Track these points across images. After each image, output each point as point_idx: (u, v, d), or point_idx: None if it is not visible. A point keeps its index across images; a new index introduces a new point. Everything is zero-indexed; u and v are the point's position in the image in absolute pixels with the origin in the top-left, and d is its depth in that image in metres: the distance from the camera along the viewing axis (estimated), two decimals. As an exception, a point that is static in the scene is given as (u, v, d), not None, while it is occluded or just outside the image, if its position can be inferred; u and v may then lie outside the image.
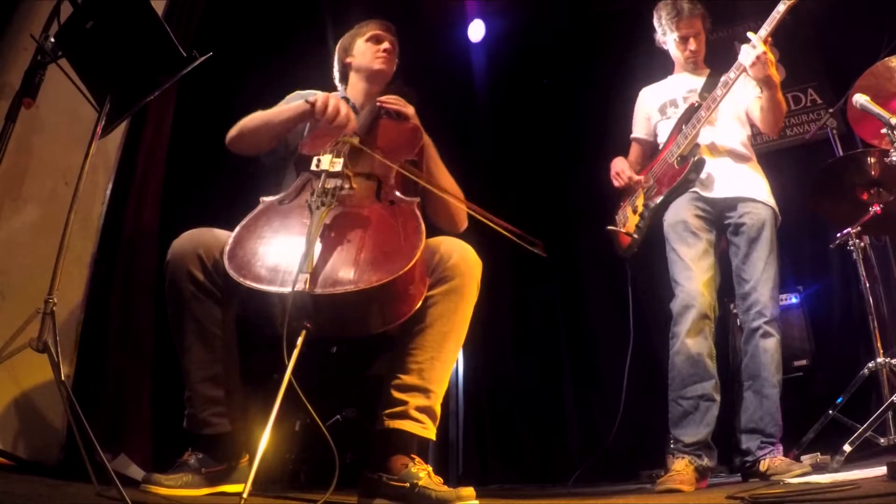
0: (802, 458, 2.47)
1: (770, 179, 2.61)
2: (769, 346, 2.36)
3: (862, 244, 2.73)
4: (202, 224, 1.76)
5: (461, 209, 2.04)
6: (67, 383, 1.51)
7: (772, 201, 2.53)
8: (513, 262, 4.12)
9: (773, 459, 2.27)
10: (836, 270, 3.47)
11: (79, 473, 1.43)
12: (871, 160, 2.59)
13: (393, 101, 2.10)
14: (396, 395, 1.60)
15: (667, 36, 2.74)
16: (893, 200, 2.59)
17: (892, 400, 2.22)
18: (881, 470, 1.65)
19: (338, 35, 2.42)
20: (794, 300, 3.28)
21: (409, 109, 2.11)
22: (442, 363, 1.63)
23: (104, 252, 2.24)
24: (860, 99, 2.33)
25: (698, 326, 2.36)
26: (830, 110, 3.30)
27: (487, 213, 1.71)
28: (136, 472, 1.97)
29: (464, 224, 2.10)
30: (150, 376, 2.30)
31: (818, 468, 2.33)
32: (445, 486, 1.50)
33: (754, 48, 2.31)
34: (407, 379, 1.60)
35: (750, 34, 2.35)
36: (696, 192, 2.53)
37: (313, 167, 1.70)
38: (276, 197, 1.77)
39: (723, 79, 2.50)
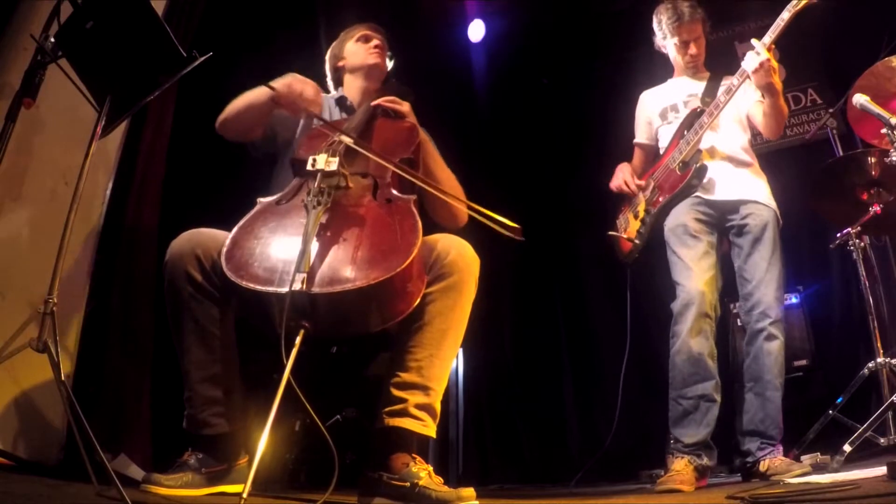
0: (802, 458, 2.47)
1: (770, 180, 2.61)
2: (773, 349, 2.36)
3: (862, 244, 2.73)
4: (203, 224, 1.76)
5: (458, 206, 2.04)
6: (67, 383, 1.51)
7: (773, 203, 2.53)
8: (513, 262, 4.12)
9: (773, 459, 2.27)
10: (836, 270, 3.47)
11: (79, 473, 1.43)
12: (871, 160, 2.60)
13: (388, 101, 2.11)
14: (396, 393, 1.60)
15: (667, 40, 2.73)
16: (893, 200, 2.59)
17: (892, 400, 2.22)
18: (881, 470, 1.65)
19: (334, 37, 2.43)
20: (794, 300, 3.28)
21: (405, 107, 2.12)
22: (441, 360, 1.63)
23: (104, 252, 2.25)
24: (860, 99, 2.33)
25: (699, 325, 2.35)
26: (830, 110, 3.30)
27: (466, 200, 1.69)
28: (136, 472, 1.97)
29: (464, 220, 2.10)
30: (150, 376, 2.30)
31: (818, 468, 2.33)
32: (446, 487, 1.50)
33: (758, 55, 2.31)
34: (406, 377, 1.60)
35: (754, 41, 2.34)
36: (697, 196, 2.52)
37: (309, 167, 1.70)
38: (273, 197, 1.77)
39: (726, 85, 2.50)
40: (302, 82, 1.92)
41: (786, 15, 2.30)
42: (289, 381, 1.32)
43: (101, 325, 2.20)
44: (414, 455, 1.57)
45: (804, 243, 3.51)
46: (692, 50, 2.68)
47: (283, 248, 1.56)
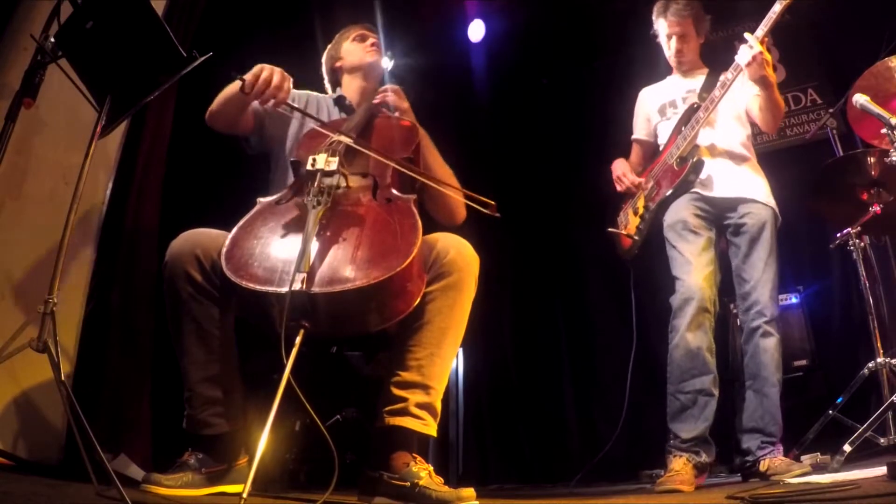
0: (802, 458, 2.47)
1: (770, 179, 2.61)
2: (769, 346, 2.37)
3: (862, 244, 2.73)
4: (203, 224, 1.76)
5: (459, 202, 2.05)
6: (67, 383, 1.51)
7: (772, 202, 2.53)
8: (513, 261, 4.12)
9: (773, 459, 2.27)
10: (836, 270, 3.47)
11: (79, 473, 1.43)
12: (871, 160, 2.60)
13: (391, 90, 2.12)
14: (396, 392, 1.60)
15: (660, 35, 2.74)
16: (893, 200, 2.59)
17: (892, 400, 2.22)
18: (881, 470, 1.65)
19: (332, 37, 2.44)
20: (794, 300, 3.28)
21: (404, 104, 2.12)
22: (441, 359, 1.63)
23: (104, 252, 2.24)
24: (860, 99, 2.33)
25: (698, 320, 2.36)
26: (830, 110, 3.30)
27: (439, 181, 1.69)
28: (136, 472, 1.96)
29: (462, 217, 2.10)
30: (150, 376, 2.30)
31: (818, 468, 2.33)
32: (446, 487, 1.50)
33: (751, 48, 2.32)
34: (407, 376, 1.60)
35: (747, 35, 2.35)
36: (696, 192, 2.53)
37: (308, 167, 1.70)
38: (273, 197, 1.77)
39: (720, 79, 2.50)
40: (269, 71, 1.86)
41: (777, 7, 2.31)
42: (289, 381, 1.32)
43: (101, 325, 2.20)
44: (414, 455, 1.57)
45: (804, 243, 3.51)
46: (675, 44, 2.68)
47: (282, 248, 1.56)
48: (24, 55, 1.91)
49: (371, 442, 1.61)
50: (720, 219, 2.55)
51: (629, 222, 2.75)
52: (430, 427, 1.62)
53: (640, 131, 2.87)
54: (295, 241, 1.52)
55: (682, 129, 2.59)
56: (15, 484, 1.46)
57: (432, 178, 1.83)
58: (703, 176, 2.52)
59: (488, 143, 4.39)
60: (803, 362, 3.15)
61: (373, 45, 2.32)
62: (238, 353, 1.72)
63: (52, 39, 1.72)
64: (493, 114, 4.42)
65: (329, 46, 2.43)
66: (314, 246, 1.51)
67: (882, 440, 2.33)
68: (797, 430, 2.56)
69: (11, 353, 1.48)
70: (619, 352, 2.86)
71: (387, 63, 2.41)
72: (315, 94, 2.33)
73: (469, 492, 1.49)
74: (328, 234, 1.57)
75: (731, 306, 3.02)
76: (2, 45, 2.10)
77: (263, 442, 1.26)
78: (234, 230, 1.65)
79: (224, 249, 1.58)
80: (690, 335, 2.34)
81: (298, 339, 1.39)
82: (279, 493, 1.91)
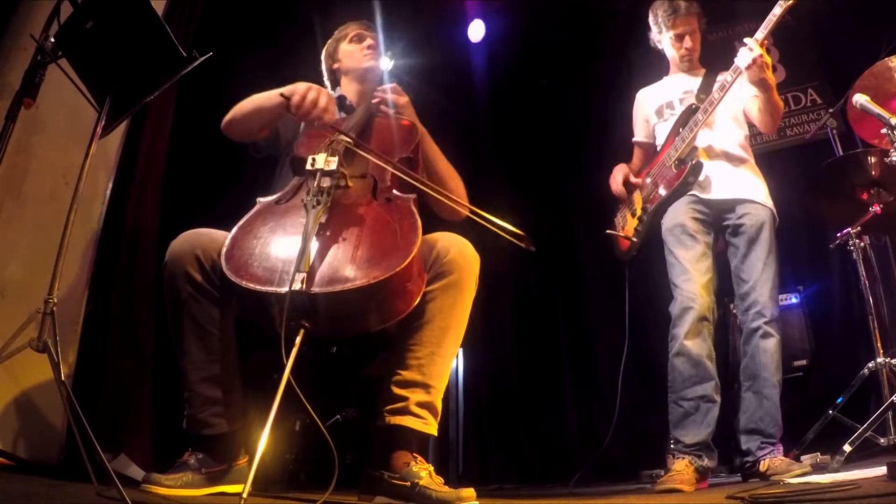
0: (802, 458, 2.47)
1: (770, 179, 2.61)
2: (769, 347, 2.37)
3: (862, 244, 2.73)
4: (203, 224, 1.76)
5: (461, 198, 2.05)
6: (67, 383, 1.51)
7: (770, 202, 2.53)
8: (513, 262, 4.12)
9: (773, 459, 2.27)
10: (836, 270, 3.47)
11: (79, 473, 1.43)
12: (871, 160, 2.60)
13: (391, 89, 2.12)
14: (397, 391, 1.60)
15: (662, 34, 2.74)
16: (893, 200, 2.59)
17: (892, 400, 2.22)
18: (881, 470, 1.65)
19: (330, 35, 2.43)
20: (794, 300, 3.28)
21: (403, 99, 2.12)
22: (442, 358, 1.63)
23: (104, 252, 2.24)
24: (860, 99, 2.33)
25: (697, 328, 2.36)
26: (830, 110, 3.30)
27: (475, 208, 1.70)
28: (136, 472, 1.97)
29: (464, 213, 2.10)
30: (150, 376, 2.30)
31: (818, 468, 2.33)
32: (446, 487, 1.50)
33: (751, 51, 2.32)
34: (407, 375, 1.60)
35: (747, 39, 2.35)
36: (693, 195, 2.53)
37: (308, 166, 1.70)
38: (273, 197, 1.77)
39: (719, 82, 2.50)
40: (317, 91, 1.90)
41: (777, 10, 2.31)
42: (289, 381, 1.32)
43: (101, 325, 2.20)
44: (415, 454, 1.57)
45: (804, 243, 3.51)
46: (687, 43, 2.69)
47: (282, 248, 1.56)
48: (24, 55, 1.91)
49: (371, 441, 1.61)
50: (718, 220, 2.55)
51: (627, 224, 2.75)
52: (430, 426, 1.62)
53: (640, 133, 2.87)
54: (295, 240, 1.52)
55: (680, 130, 2.59)
56: (15, 484, 1.46)
57: (430, 185, 1.82)
58: (700, 178, 2.52)
59: (488, 144, 4.39)
60: (803, 362, 3.15)
61: (370, 47, 2.30)
62: (238, 353, 1.71)
63: (52, 39, 1.72)
64: (493, 114, 4.42)
65: (328, 43, 2.41)
66: (314, 246, 1.51)
67: (882, 440, 2.33)
68: (797, 430, 2.56)
69: (11, 353, 1.48)
70: (619, 352, 2.85)
71: (386, 63, 2.40)
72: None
73: (469, 492, 1.49)
74: (328, 233, 1.57)
75: (731, 306, 3.02)
76: (2, 45, 2.10)
77: (263, 442, 1.26)
78: (234, 230, 1.65)
79: (224, 249, 1.58)
80: (690, 343, 2.35)
81: (298, 339, 1.39)
82: (279, 493, 1.91)
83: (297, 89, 1.90)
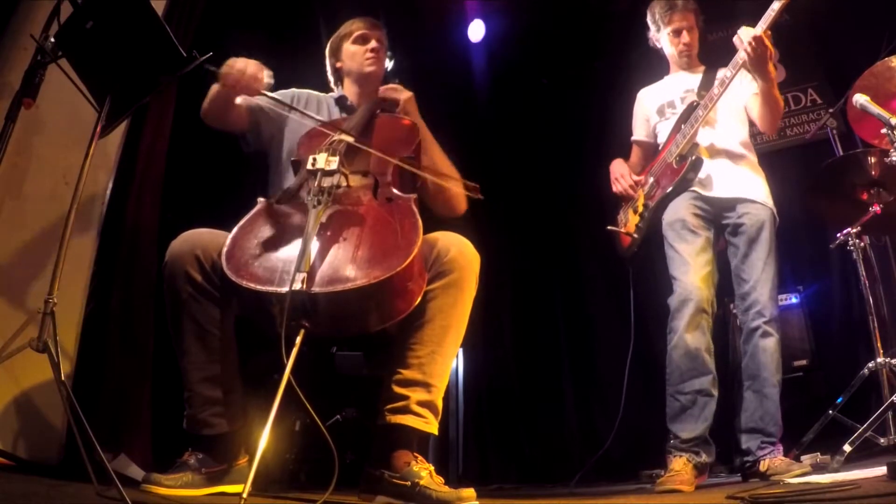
0: (802, 458, 2.47)
1: (770, 179, 2.61)
2: (768, 346, 2.37)
3: (862, 244, 2.73)
4: (203, 224, 1.76)
5: (460, 194, 2.05)
6: (67, 383, 1.51)
7: (770, 202, 2.53)
8: (513, 262, 4.12)
9: (773, 459, 2.27)
10: (836, 270, 3.47)
11: (79, 473, 1.43)
12: (871, 160, 2.60)
13: (389, 88, 2.13)
14: (397, 390, 1.60)
15: (660, 32, 2.74)
16: (893, 200, 2.59)
17: (892, 400, 2.22)
18: (881, 470, 1.65)
19: (331, 34, 2.42)
20: (794, 300, 3.27)
21: (404, 94, 2.11)
22: (442, 357, 1.63)
23: (104, 252, 2.24)
24: (860, 99, 2.33)
25: (696, 321, 2.36)
26: (830, 110, 3.29)
27: (440, 173, 1.68)
28: (136, 472, 1.97)
29: (462, 209, 2.11)
30: (150, 376, 2.30)
31: (818, 468, 2.33)
32: (446, 487, 1.50)
33: (751, 31, 2.30)
34: (408, 374, 1.60)
35: (746, 28, 2.35)
36: (694, 192, 2.53)
37: (309, 166, 1.70)
38: (273, 197, 1.77)
39: (719, 77, 2.50)
40: (243, 61, 1.88)
41: (776, 6, 2.30)
42: (289, 381, 1.32)
43: (101, 325, 2.20)
44: (415, 454, 1.57)
45: (804, 243, 3.51)
46: (685, 38, 2.69)
47: (283, 248, 1.56)
48: (24, 55, 1.91)
49: (372, 440, 1.61)
50: (718, 218, 2.55)
51: (629, 220, 2.76)
52: (431, 425, 1.62)
53: (639, 132, 2.87)
54: (295, 240, 1.52)
55: (682, 127, 2.59)
56: (15, 484, 1.46)
57: (434, 172, 1.83)
58: (702, 175, 2.52)
59: (488, 144, 4.38)
60: (803, 362, 3.14)
61: (374, 50, 2.27)
62: (238, 353, 1.71)
63: (52, 39, 1.72)
64: (493, 114, 4.41)
65: (332, 39, 2.39)
66: (314, 245, 1.51)
67: (882, 440, 2.33)
68: (797, 430, 2.56)
69: (11, 353, 1.48)
70: (620, 351, 2.85)
71: (387, 63, 2.40)
72: (316, 93, 2.32)
73: (469, 492, 1.49)
74: (328, 233, 1.57)
75: (731, 306, 3.02)
76: (2, 45, 2.10)
77: (263, 442, 1.26)
78: (235, 230, 1.65)
79: (224, 249, 1.58)
80: (689, 336, 2.35)
81: (298, 339, 1.39)
82: (279, 493, 1.91)
83: (226, 63, 1.88)
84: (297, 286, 1.41)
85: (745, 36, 2.33)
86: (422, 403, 1.60)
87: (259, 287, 1.47)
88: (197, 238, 1.69)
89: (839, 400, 2.55)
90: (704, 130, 2.56)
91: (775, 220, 2.52)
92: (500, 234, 3.91)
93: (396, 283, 1.51)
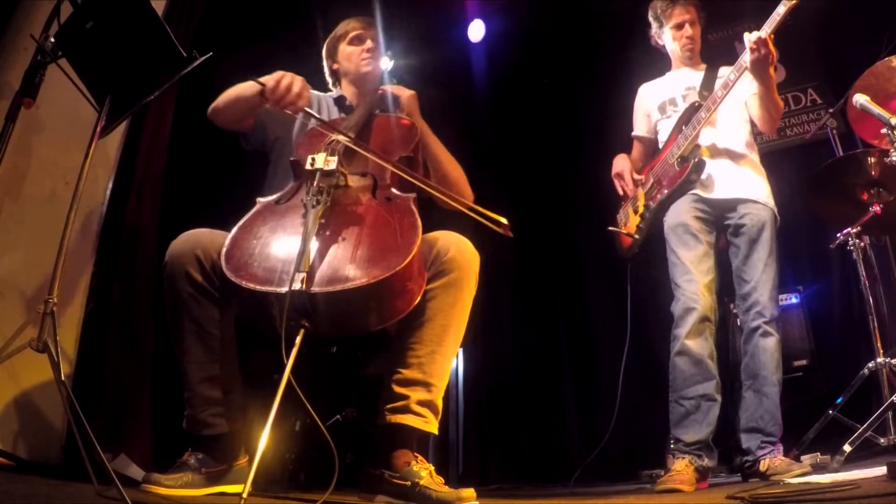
0: (802, 458, 2.47)
1: (770, 179, 2.61)
2: (769, 346, 2.37)
3: (862, 244, 2.73)
4: (203, 224, 1.76)
5: (462, 190, 2.06)
6: (67, 383, 1.51)
7: (771, 202, 2.53)
8: (513, 261, 4.12)
9: (773, 459, 2.27)
10: (836, 270, 3.47)
11: (79, 473, 1.43)
12: (871, 160, 2.60)
13: (389, 89, 2.13)
14: (397, 389, 1.60)
15: (662, 28, 2.74)
16: (893, 200, 2.59)
17: (892, 400, 2.22)
18: (881, 470, 1.65)
19: (329, 33, 2.42)
20: (794, 300, 3.28)
21: (408, 92, 2.11)
22: (442, 357, 1.63)
23: (104, 252, 2.24)
24: (860, 99, 2.33)
25: (699, 329, 2.36)
26: (830, 110, 3.30)
27: (452, 195, 1.70)
28: (136, 472, 1.97)
29: (469, 198, 2.11)
30: (150, 376, 2.30)
31: (818, 468, 2.33)
32: (446, 487, 1.50)
33: (755, 34, 2.29)
34: (407, 373, 1.60)
35: (750, 32, 2.35)
36: (696, 194, 2.53)
37: (308, 166, 1.70)
38: (273, 197, 1.77)
39: (722, 78, 2.50)
40: (291, 78, 1.85)
41: (781, 9, 2.29)
42: (289, 381, 1.32)
43: (101, 325, 2.20)
44: (416, 454, 1.58)
45: (804, 243, 3.51)
46: (687, 32, 2.69)
47: (282, 248, 1.56)
48: (24, 55, 1.91)
49: (372, 440, 1.61)
50: (720, 219, 2.55)
51: (629, 221, 2.75)
52: (431, 425, 1.62)
53: (640, 128, 2.87)
54: (295, 240, 1.52)
55: (683, 128, 2.59)
56: (15, 484, 1.46)
57: (430, 183, 1.82)
58: (703, 176, 2.52)
59: (488, 144, 4.39)
60: (803, 362, 3.15)
61: (369, 50, 2.27)
62: (238, 353, 1.72)
63: (52, 39, 1.72)
64: (493, 114, 4.42)
65: (328, 40, 2.39)
66: (314, 245, 1.51)
67: (882, 440, 2.33)
68: (797, 430, 2.56)
69: (11, 353, 1.48)
70: (619, 352, 2.85)
71: (386, 63, 2.40)
72: (316, 92, 2.32)
73: (469, 492, 1.49)
74: (328, 233, 1.57)
75: (731, 306, 3.02)
76: (2, 45, 2.10)
77: (263, 442, 1.27)
78: (234, 230, 1.65)
79: (224, 249, 1.58)
80: (692, 343, 2.35)
81: (298, 339, 1.39)
82: (279, 493, 1.91)
83: (274, 76, 1.86)
84: (297, 286, 1.41)
85: (750, 38, 2.32)
86: (422, 403, 1.60)
87: (259, 287, 1.47)
88: (197, 238, 1.69)
89: (839, 400, 2.55)
90: (706, 130, 2.56)
91: (776, 219, 2.52)
92: (499, 233, 3.91)
93: (396, 283, 1.51)
